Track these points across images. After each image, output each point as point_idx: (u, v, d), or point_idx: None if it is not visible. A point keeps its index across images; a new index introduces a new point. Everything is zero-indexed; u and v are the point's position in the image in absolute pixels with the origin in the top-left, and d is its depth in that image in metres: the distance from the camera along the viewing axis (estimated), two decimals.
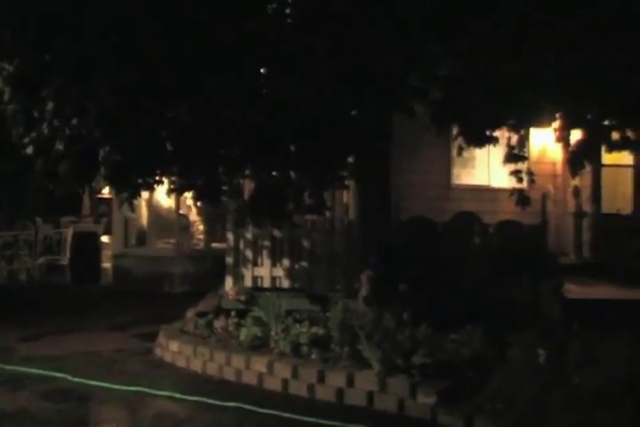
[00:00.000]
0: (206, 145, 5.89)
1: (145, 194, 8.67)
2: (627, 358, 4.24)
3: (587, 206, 9.29)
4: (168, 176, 6.54)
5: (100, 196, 14.38)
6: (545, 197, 8.27)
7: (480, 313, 5.77)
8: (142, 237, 11.00)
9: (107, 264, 11.31)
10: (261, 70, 5.94)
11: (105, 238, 12.16)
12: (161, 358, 6.25)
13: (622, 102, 5.59)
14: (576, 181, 9.43)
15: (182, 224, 11.07)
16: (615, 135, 6.56)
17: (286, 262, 7.48)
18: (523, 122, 6.71)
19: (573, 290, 6.86)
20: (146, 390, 5.17)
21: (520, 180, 7.07)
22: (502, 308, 6.05)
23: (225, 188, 6.45)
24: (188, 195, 7.17)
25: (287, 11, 5.99)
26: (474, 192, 9.84)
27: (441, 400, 4.59)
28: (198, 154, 5.90)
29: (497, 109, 6.09)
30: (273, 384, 5.31)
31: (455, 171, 10.16)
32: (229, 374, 5.57)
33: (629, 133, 6.55)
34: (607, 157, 8.58)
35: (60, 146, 5.85)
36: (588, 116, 6.16)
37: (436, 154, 9.74)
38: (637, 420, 3.67)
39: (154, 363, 6.13)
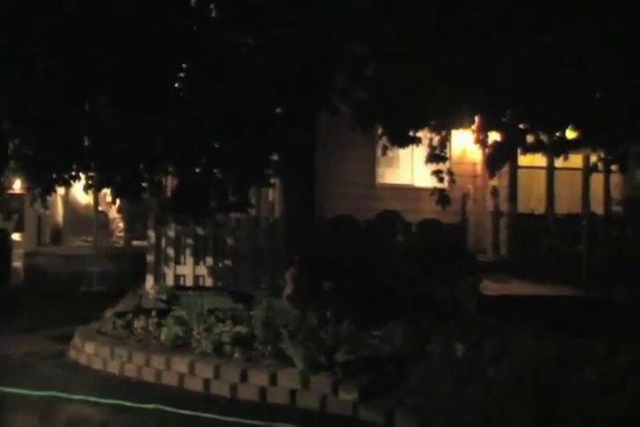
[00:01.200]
0: (126, 140, 5.70)
1: (61, 190, 8.30)
2: (536, 352, 4.43)
3: (504, 206, 9.68)
4: (85, 172, 6.29)
5: (10, 191, 13.66)
6: (465, 196, 8.53)
7: (402, 310, 5.89)
8: (57, 235, 10.53)
9: (17, 263, 10.74)
10: (183, 65, 5.82)
11: (16, 236, 11.56)
12: (76, 361, 5.99)
13: (532, 106, 5.84)
14: (494, 182, 9.80)
15: (101, 221, 10.68)
16: (530, 138, 6.87)
17: (210, 261, 7.36)
18: (444, 123, 6.89)
19: (490, 287, 7.13)
20: (59, 394, 4.93)
21: (441, 179, 7.27)
22: (423, 304, 6.20)
23: (146, 184, 6.27)
24: (108, 191, 6.92)
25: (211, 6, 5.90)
26: (398, 191, 10.03)
27: (362, 396, 4.63)
28: (117, 149, 5.70)
29: (419, 110, 6.23)
30: (194, 385, 5.20)
31: (380, 170, 10.33)
32: (149, 376, 5.41)
33: (543, 137, 6.88)
34: (523, 159, 8.97)
35: None
36: (503, 119, 6.40)
37: (362, 153, 9.86)
38: (543, 410, 3.84)
39: (68, 366, 5.87)
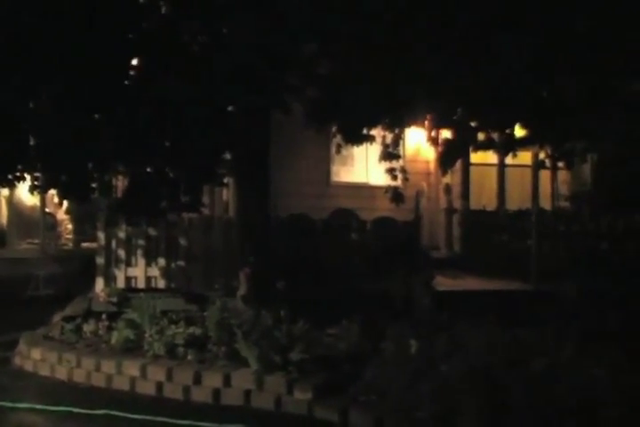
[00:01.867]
0: (72, 138, 5.53)
1: (4, 190, 8.01)
2: (487, 345, 4.50)
3: (457, 203, 9.83)
4: (30, 172, 6.09)
5: None
6: (419, 194, 8.62)
7: (357, 308, 5.90)
8: (2, 238, 10.18)
9: None
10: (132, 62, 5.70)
11: None
12: (21, 368, 5.79)
13: (480, 104, 5.94)
14: (447, 179, 9.94)
15: (48, 223, 10.36)
16: (481, 136, 6.98)
17: (162, 262, 7.22)
18: (397, 121, 6.94)
19: (443, 282, 7.22)
20: (2, 403, 4.75)
21: (394, 177, 7.33)
22: (378, 302, 6.23)
23: (95, 184, 6.11)
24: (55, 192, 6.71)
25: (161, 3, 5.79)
26: (352, 189, 10.07)
27: (317, 395, 4.62)
28: (63, 148, 5.53)
29: (372, 109, 6.25)
30: (146, 388, 5.10)
31: (334, 168, 10.34)
32: (99, 381, 5.28)
33: (493, 134, 7.01)
34: (475, 157, 9.13)
35: None
36: (454, 117, 6.48)
37: (316, 151, 9.85)
38: (494, 402, 3.90)
39: (12, 373, 5.67)
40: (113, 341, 5.66)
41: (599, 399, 3.83)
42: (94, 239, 7.73)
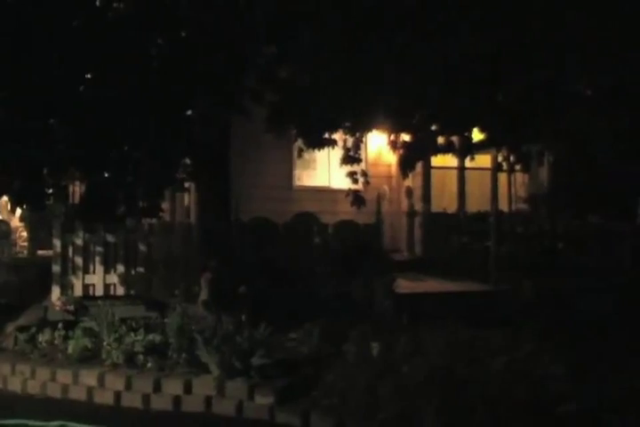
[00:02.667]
0: (25, 143, 5.39)
1: None
2: (447, 346, 4.54)
3: (418, 206, 9.92)
4: None
5: None
6: (380, 197, 8.68)
7: (319, 311, 5.89)
8: None
9: None
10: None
11: None
12: None
13: (438, 108, 6.02)
14: (409, 182, 10.04)
15: (2, 231, 10.08)
16: (441, 139, 7.07)
17: (121, 269, 7.09)
18: (357, 125, 6.98)
19: (406, 285, 7.26)
20: None
21: (355, 181, 7.36)
22: (340, 305, 6.23)
23: (50, 190, 5.96)
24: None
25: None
26: (315, 193, 10.07)
27: (279, 399, 4.59)
28: (14, 153, 5.38)
29: (332, 113, 6.27)
30: (104, 398, 4.99)
31: (297, 172, 10.34)
32: (55, 391, 5.14)
33: (453, 138, 7.10)
34: (436, 160, 9.24)
35: None
36: (414, 121, 6.55)
37: (279, 156, 9.83)
38: (453, 402, 3.93)
39: None
40: (69, 350, 5.53)
41: (557, 396, 3.90)
42: (50, 247, 7.54)
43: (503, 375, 4.09)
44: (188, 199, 9.00)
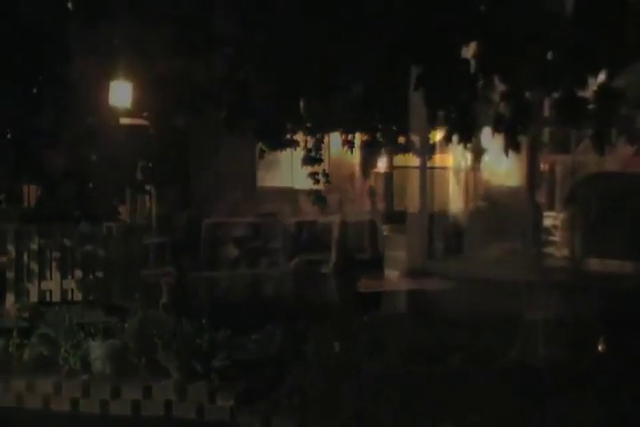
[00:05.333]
0: None
1: None
2: (406, 345, 4.58)
3: (381, 205, 10.01)
4: None
5: None
6: (342, 197, 8.72)
7: (282, 311, 5.89)
8: None
9: None
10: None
11: None
12: None
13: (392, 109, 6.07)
14: (371, 182, 10.11)
15: None
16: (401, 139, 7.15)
17: (79, 273, 6.95)
18: (317, 126, 7.01)
19: (368, 284, 7.30)
20: None
21: (317, 181, 7.39)
22: (303, 305, 6.23)
23: (2, 195, 5.84)
24: None
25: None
26: (278, 194, 10.06)
27: (240, 402, 4.57)
28: None
29: (290, 114, 6.28)
30: (61, 405, 4.89)
31: (260, 173, 10.32)
32: (9, 401, 5.01)
33: (413, 138, 7.18)
34: (398, 159, 9.33)
35: None
36: (372, 122, 6.61)
37: (241, 157, 9.78)
38: (410, 401, 3.98)
39: None
40: (25, 358, 5.39)
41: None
42: (4, 253, 7.35)
43: (460, 372, 4.15)
44: (149, 201, 8.90)
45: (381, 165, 11.70)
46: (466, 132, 3.55)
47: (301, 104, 6.24)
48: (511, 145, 4.03)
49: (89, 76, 5.38)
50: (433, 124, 3.51)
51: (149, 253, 7.06)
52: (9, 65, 5.08)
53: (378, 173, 11.65)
